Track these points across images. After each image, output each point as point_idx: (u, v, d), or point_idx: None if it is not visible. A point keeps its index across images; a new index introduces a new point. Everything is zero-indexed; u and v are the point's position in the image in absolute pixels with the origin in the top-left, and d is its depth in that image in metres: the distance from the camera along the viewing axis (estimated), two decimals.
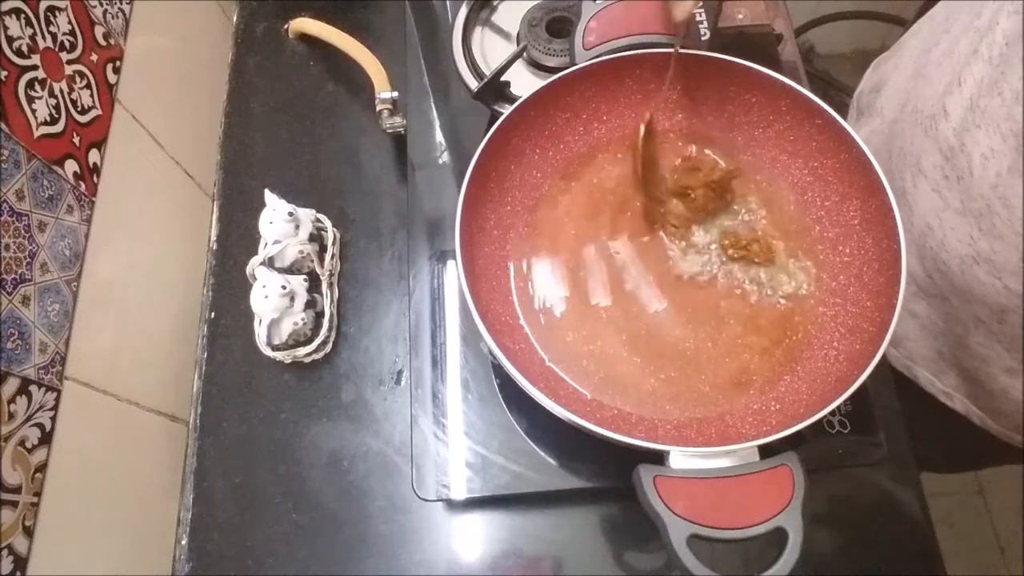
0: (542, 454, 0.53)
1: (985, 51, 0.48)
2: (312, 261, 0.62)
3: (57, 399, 0.48)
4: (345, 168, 0.72)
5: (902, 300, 0.44)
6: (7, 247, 0.44)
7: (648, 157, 0.55)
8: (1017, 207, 0.46)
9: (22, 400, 0.44)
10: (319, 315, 0.62)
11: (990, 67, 0.47)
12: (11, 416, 0.43)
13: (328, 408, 0.61)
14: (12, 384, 0.44)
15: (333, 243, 0.65)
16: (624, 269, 0.54)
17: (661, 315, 0.52)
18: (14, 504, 0.43)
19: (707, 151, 0.58)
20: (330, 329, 0.62)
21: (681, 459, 0.41)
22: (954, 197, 0.51)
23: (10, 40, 0.47)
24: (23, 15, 0.48)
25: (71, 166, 0.51)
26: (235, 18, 0.81)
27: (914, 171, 0.55)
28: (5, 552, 0.42)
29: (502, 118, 0.52)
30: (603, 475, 0.53)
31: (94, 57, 0.56)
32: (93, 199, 0.54)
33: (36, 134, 0.48)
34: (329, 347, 0.63)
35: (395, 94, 0.67)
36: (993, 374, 0.56)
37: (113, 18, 0.59)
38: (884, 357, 0.43)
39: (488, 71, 0.66)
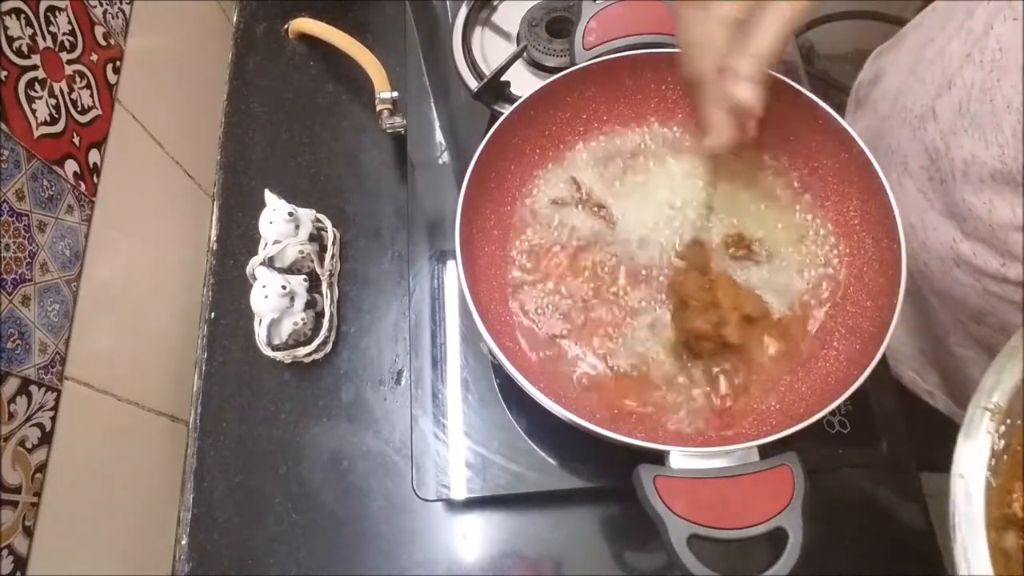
0: (542, 454, 0.53)
1: (978, 55, 0.47)
2: (312, 261, 0.62)
3: (57, 399, 0.48)
4: (345, 168, 0.72)
5: (902, 300, 0.44)
6: (7, 247, 0.44)
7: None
8: (999, 212, 0.46)
9: (22, 400, 0.44)
10: (319, 315, 0.62)
11: (982, 72, 0.47)
12: (11, 416, 0.43)
13: (328, 408, 0.61)
14: (12, 384, 0.44)
15: (333, 243, 0.65)
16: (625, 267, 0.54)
17: (662, 314, 0.52)
18: (14, 504, 0.43)
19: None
20: (330, 329, 0.62)
21: (681, 459, 0.41)
22: (938, 199, 0.52)
23: (10, 40, 0.47)
24: (23, 15, 0.48)
25: (71, 166, 0.51)
26: (235, 18, 0.81)
27: (900, 170, 0.55)
28: (5, 552, 0.42)
29: (502, 118, 0.52)
30: (603, 475, 0.53)
31: (94, 57, 0.56)
32: (93, 199, 0.54)
33: (36, 134, 0.48)
34: (329, 347, 0.63)
35: (395, 94, 0.68)
36: (971, 375, 0.56)
37: (113, 18, 0.59)
38: (884, 357, 0.43)
39: (488, 71, 0.66)
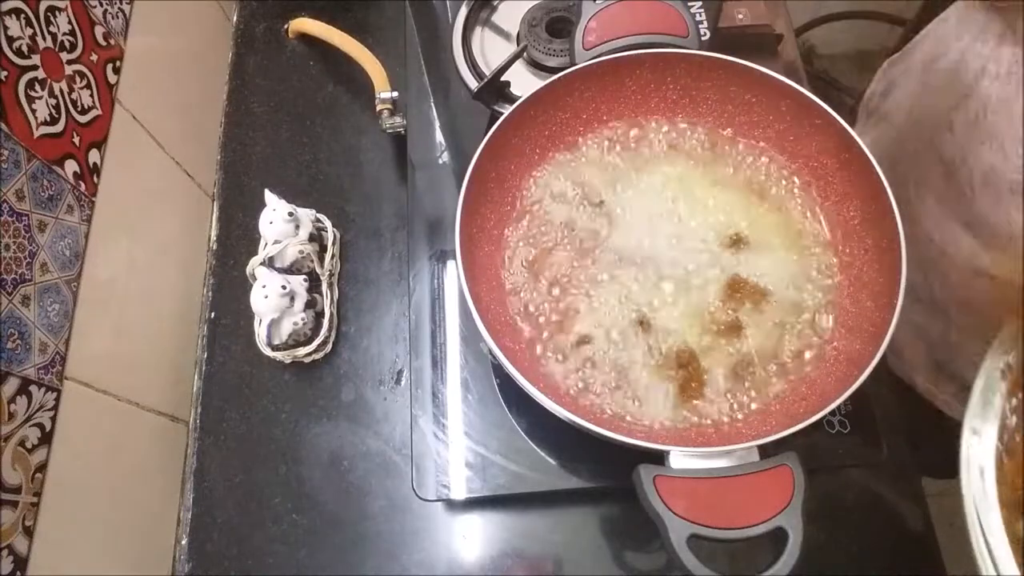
0: (542, 454, 0.53)
1: (993, 67, 0.47)
2: (312, 261, 0.62)
3: (57, 399, 0.48)
4: (345, 168, 0.72)
5: (902, 300, 0.44)
6: (7, 247, 0.44)
7: None
8: (1017, 224, 0.46)
9: (22, 400, 0.44)
10: (319, 315, 0.62)
11: (999, 84, 0.47)
12: (11, 416, 0.43)
13: (328, 408, 0.61)
14: (12, 384, 0.44)
15: (333, 243, 0.65)
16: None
17: (655, 315, 0.52)
18: (14, 504, 0.43)
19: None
20: (330, 329, 0.62)
21: (681, 459, 0.41)
22: (956, 211, 0.51)
23: (10, 40, 0.47)
24: (23, 15, 0.48)
25: (71, 166, 0.51)
26: (235, 18, 0.81)
27: (918, 182, 0.55)
28: (5, 552, 0.42)
29: (502, 118, 0.52)
30: (603, 475, 0.53)
31: (94, 57, 0.56)
32: (93, 199, 0.54)
33: (36, 134, 0.48)
34: (329, 347, 0.63)
35: (395, 94, 0.67)
36: None
37: (113, 18, 0.59)
38: (884, 358, 0.43)
39: (488, 71, 0.66)
